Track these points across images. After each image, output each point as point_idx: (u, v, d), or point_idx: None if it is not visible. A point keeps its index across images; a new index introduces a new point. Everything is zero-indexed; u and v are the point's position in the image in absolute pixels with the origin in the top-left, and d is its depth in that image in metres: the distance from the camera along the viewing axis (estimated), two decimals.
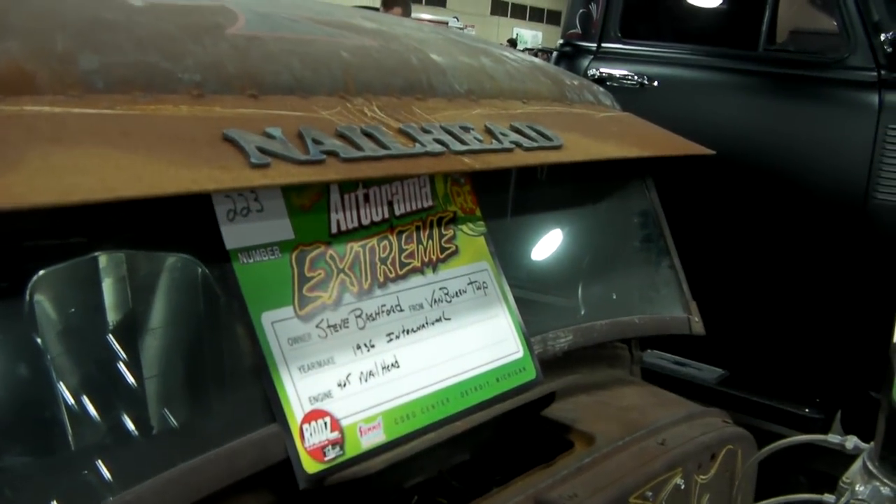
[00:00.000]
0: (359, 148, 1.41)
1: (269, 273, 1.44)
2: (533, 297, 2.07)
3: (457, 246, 1.77)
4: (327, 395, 1.46)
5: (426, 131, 1.58)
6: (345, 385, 1.49)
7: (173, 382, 1.48)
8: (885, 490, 1.52)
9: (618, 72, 4.57)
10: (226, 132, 1.29)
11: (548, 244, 2.25)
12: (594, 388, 2.08)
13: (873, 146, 3.87)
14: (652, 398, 2.12)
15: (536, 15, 42.34)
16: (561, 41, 4.93)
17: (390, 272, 1.63)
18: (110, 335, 1.43)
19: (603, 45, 4.71)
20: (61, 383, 1.35)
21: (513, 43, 26.60)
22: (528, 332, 1.84)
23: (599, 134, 2.03)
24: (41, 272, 1.32)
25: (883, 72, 3.86)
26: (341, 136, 1.43)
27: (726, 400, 4.17)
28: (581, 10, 4.81)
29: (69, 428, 1.34)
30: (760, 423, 4.04)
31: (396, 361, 1.59)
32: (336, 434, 1.45)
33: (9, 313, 1.32)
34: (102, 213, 1.26)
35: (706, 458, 1.91)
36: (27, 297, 1.32)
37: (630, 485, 1.71)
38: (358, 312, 1.55)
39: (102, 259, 1.42)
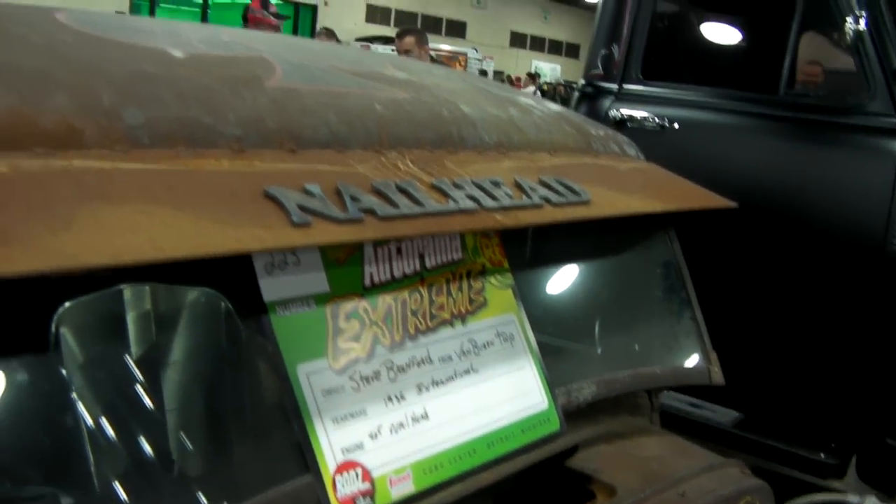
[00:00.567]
0: (394, 205, 1.44)
1: (305, 325, 1.47)
2: (557, 345, 2.10)
3: (485, 298, 1.80)
4: (359, 446, 1.49)
5: (458, 187, 1.61)
6: (376, 436, 1.52)
7: (208, 432, 1.50)
8: None
9: (639, 113, 4.60)
10: (267, 189, 1.32)
11: (571, 293, 2.27)
12: (615, 437, 2.10)
13: (892, 192, 3.89)
14: (672, 448, 2.14)
15: (555, 48, 42.50)
16: (583, 81, 4.96)
17: (421, 324, 1.66)
18: (144, 382, 1.45)
19: (624, 86, 4.74)
20: (92, 432, 1.37)
21: (532, 77, 26.65)
22: (553, 383, 1.87)
23: (625, 187, 2.06)
24: (75, 322, 1.34)
25: None
26: (377, 193, 1.46)
27: (741, 443, 4.19)
28: (603, 51, 4.85)
29: (98, 477, 1.36)
30: (775, 468, 4.05)
31: (426, 413, 1.61)
32: (367, 485, 1.48)
33: (37, 354, 1.35)
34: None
35: None
36: (57, 341, 1.34)
37: None
38: (389, 364, 1.58)
39: (138, 307, 1.44)
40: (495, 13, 39.68)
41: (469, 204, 1.56)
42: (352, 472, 1.46)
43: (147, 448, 1.40)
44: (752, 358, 4.12)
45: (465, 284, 1.76)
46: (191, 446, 1.46)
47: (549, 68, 37.52)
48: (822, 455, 4.05)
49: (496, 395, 1.76)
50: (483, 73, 28.81)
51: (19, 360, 1.34)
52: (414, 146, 1.71)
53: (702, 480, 1.97)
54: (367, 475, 1.48)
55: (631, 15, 4.71)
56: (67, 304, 1.31)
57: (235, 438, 1.53)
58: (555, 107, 2.39)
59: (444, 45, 34.18)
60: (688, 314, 2.31)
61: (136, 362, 1.44)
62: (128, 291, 1.38)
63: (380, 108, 1.71)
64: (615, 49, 4.77)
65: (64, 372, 1.35)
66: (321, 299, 1.50)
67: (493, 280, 1.83)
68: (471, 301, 1.77)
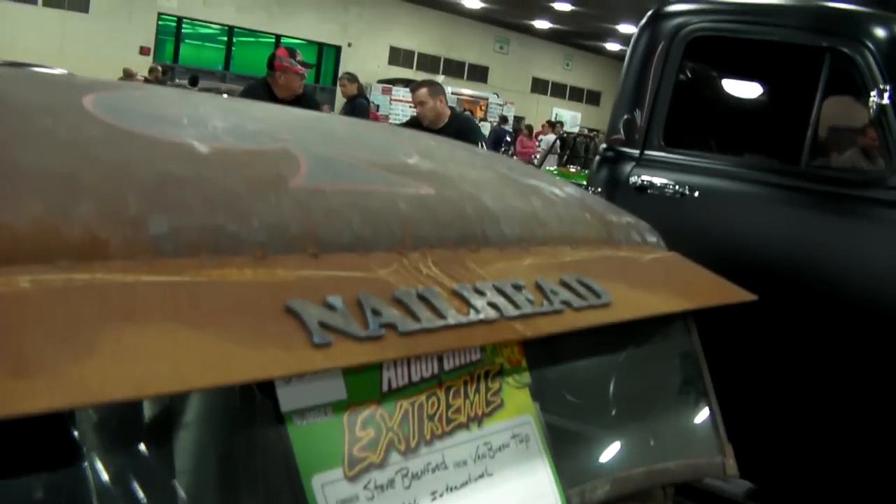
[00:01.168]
0: (416, 318, 1.44)
1: (321, 434, 1.47)
2: (572, 443, 2.09)
3: (502, 399, 1.79)
4: None
5: (479, 293, 1.61)
6: None
7: None
8: None
9: (659, 180, 4.61)
10: (288, 304, 1.32)
11: (587, 388, 2.26)
12: None
13: None
14: None
15: (576, 94, 42.63)
16: (604, 146, 4.97)
17: (437, 429, 1.65)
18: (160, 489, 1.45)
19: (646, 152, 4.75)
20: None
21: (552, 125, 26.71)
22: (567, 484, 1.86)
23: (646, 283, 2.06)
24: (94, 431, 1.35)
25: None
26: (398, 303, 1.46)
27: None
28: (625, 116, 4.86)
29: None
30: None
31: None
32: None
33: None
34: None
35: None
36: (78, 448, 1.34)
37: None
38: (404, 472, 1.57)
39: (155, 415, 1.45)
40: (518, 59, 39.84)
41: (490, 313, 1.56)
42: None
43: None
44: (765, 427, 4.10)
45: (482, 386, 1.76)
46: None
47: (570, 116, 37.60)
48: None
49: (510, 498, 1.75)
50: (504, 118, 28.96)
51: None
52: (437, 245, 1.71)
53: None
54: None
55: (654, 81, 4.72)
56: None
57: None
58: (577, 193, 2.39)
59: (465, 90, 34.39)
60: (704, 405, 2.30)
61: (152, 469, 1.44)
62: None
63: (404, 207, 1.72)
64: (637, 115, 4.78)
65: (82, 473, 1.35)
66: (338, 407, 1.50)
67: (510, 380, 1.82)
68: (487, 403, 1.76)
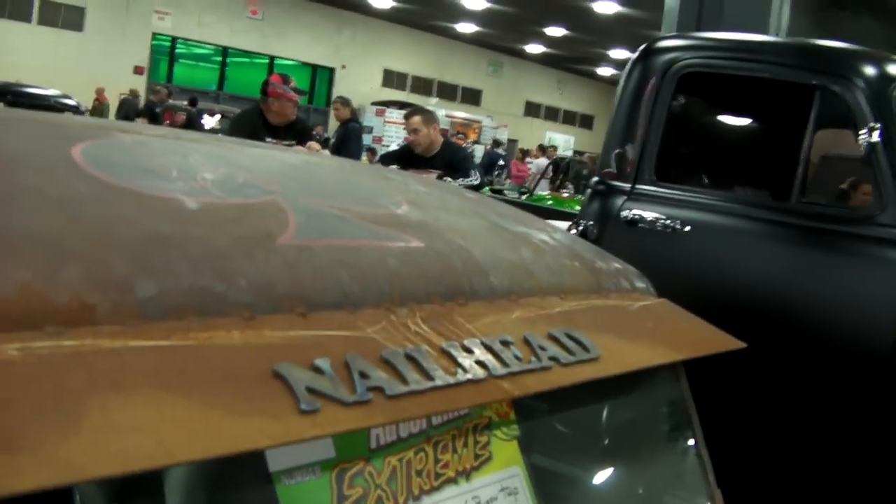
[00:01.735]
0: (403, 380, 1.43)
1: (309, 494, 1.47)
2: (560, 494, 2.09)
3: (490, 452, 1.80)
4: None
5: (467, 350, 1.61)
6: None
7: None
8: None
9: (650, 214, 4.63)
10: (276, 368, 1.32)
11: (574, 438, 2.26)
12: None
13: None
14: None
15: (569, 118, 42.77)
16: (595, 179, 4.99)
17: (425, 484, 1.66)
18: None
19: (637, 186, 4.77)
20: None
21: (543, 149, 26.79)
22: None
23: (635, 334, 2.06)
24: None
25: None
26: (386, 363, 1.46)
27: None
28: (617, 150, 4.88)
29: None
30: None
31: None
32: None
33: None
34: None
35: None
36: None
37: None
38: None
39: (140, 474, 1.44)
40: (511, 82, 39.98)
41: (478, 372, 1.56)
42: None
43: None
44: (754, 467, 4.10)
45: (470, 440, 1.76)
46: None
47: (563, 139, 37.65)
48: None
49: None
50: (497, 142, 29.04)
51: None
52: (425, 301, 1.71)
53: None
54: None
55: (646, 116, 4.74)
56: None
57: None
58: (567, 240, 2.40)
59: (458, 113, 34.48)
60: (693, 453, 2.30)
61: None
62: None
63: (392, 262, 1.72)
64: (629, 149, 4.80)
65: None
66: (327, 465, 1.50)
67: (498, 433, 1.83)
68: (476, 456, 1.77)
